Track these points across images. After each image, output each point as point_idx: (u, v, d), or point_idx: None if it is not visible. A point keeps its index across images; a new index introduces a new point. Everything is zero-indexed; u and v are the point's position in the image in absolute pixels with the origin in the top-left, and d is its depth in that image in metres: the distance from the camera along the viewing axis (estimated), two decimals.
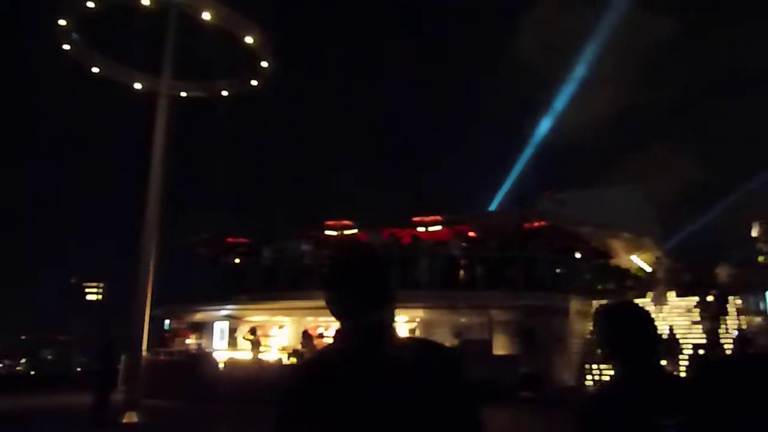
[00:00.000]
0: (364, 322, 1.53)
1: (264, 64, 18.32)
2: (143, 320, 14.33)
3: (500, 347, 18.47)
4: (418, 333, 19.78)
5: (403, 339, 1.59)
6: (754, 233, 21.84)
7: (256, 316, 22.01)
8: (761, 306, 19.27)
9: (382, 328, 1.54)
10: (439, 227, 21.20)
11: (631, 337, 2.05)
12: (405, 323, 19.88)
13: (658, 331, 2.12)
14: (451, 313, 19.47)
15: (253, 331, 20.02)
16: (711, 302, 18.09)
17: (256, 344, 19.47)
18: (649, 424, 1.85)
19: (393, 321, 1.60)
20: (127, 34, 17.48)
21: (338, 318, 1.59)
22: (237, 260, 23.22)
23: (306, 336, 18.86)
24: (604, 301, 2.51)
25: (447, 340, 18.84)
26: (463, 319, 19.50)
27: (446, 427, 1.47)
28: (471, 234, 21.04)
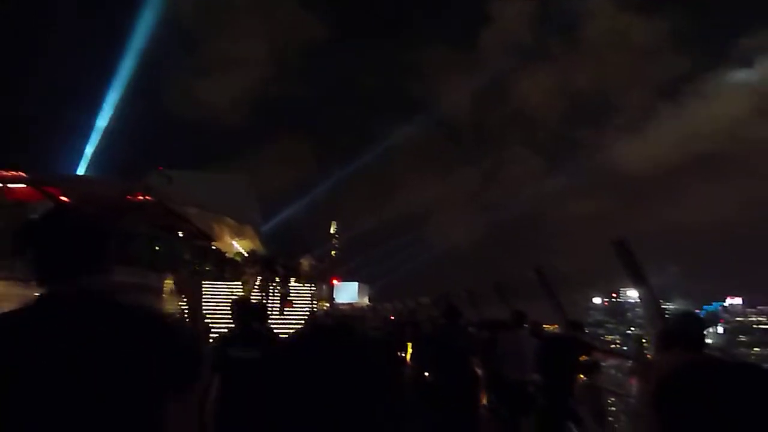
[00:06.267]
0: (65, 289, 1.45)
1: None
2: None
3: None
4: None
5: (129, 309, 1.49)
6: (332, 230, 25.72)
7: None
8: (330, 293, 22.89)
9: (84, 296, 1.45)
10: (22, 185, 18.07)
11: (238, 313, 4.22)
12: None
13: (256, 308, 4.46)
14: (25, 287, 16.78)
15: None
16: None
17: None
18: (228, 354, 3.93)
19: (107, 289, 1.50)
20: None
21: (40, 284, 1.50)
22: None
23: None
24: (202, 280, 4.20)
25: None
26: (37, 294, 17.05)
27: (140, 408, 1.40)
28: (63, 199, 18.62)
